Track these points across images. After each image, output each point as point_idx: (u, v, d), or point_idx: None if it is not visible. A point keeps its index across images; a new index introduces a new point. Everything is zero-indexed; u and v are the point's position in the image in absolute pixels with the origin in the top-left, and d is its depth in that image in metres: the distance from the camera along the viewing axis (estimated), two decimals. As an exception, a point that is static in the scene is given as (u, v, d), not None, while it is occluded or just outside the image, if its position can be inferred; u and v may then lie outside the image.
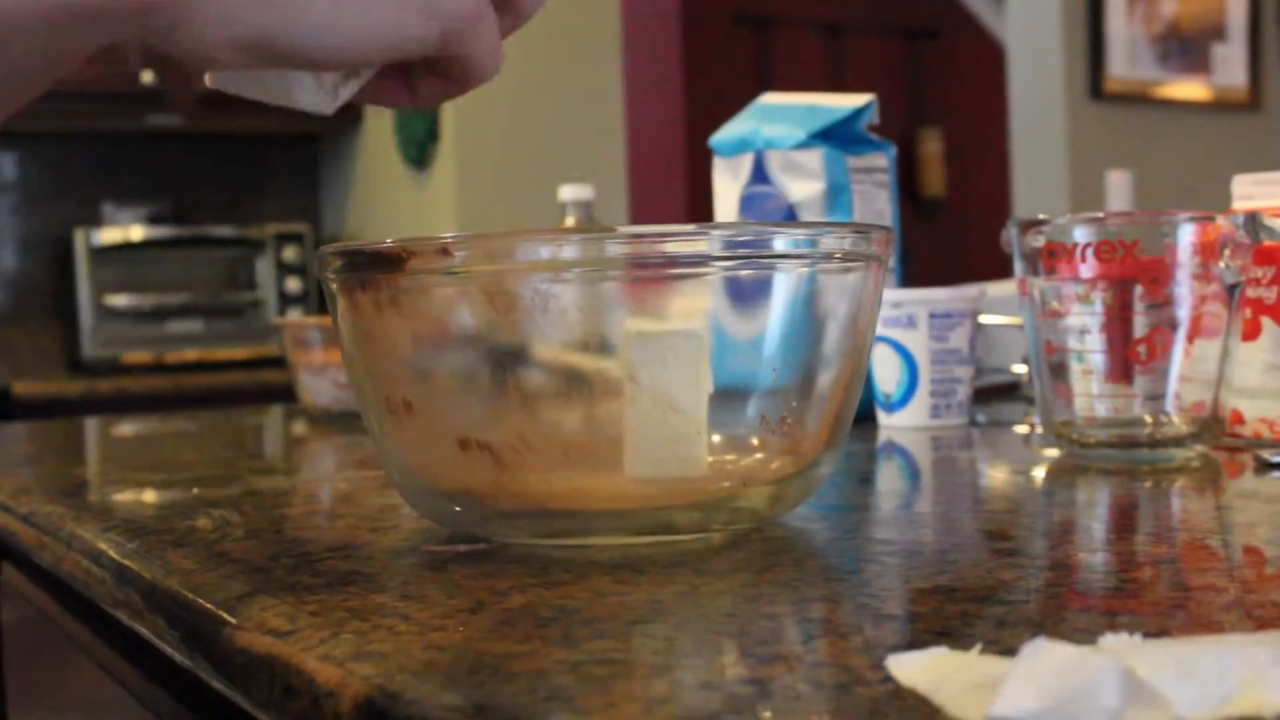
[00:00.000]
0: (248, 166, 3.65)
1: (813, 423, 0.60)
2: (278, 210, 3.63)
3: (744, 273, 0.56)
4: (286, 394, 1.49)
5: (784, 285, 0.57)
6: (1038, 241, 0.80)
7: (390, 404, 0.59)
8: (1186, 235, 0.76)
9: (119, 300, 3.17)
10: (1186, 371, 0.77)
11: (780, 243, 0.57)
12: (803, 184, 1.09)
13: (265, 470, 1.01)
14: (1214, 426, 0.79)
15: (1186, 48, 3.71)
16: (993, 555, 0.56)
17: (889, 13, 5.07)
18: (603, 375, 0.57)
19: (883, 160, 1.11)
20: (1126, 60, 3.61)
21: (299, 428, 1.33)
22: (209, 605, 0.53)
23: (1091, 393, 0.79)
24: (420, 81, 0.52)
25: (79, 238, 3.17)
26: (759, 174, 1.11)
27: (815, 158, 1.08)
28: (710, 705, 0.36)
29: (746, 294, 0.57)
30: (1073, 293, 0.79)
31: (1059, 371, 0.81)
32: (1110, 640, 0.36)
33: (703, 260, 0.55)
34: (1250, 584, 0.51)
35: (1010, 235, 0.82)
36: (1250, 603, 0.47)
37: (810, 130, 1.09)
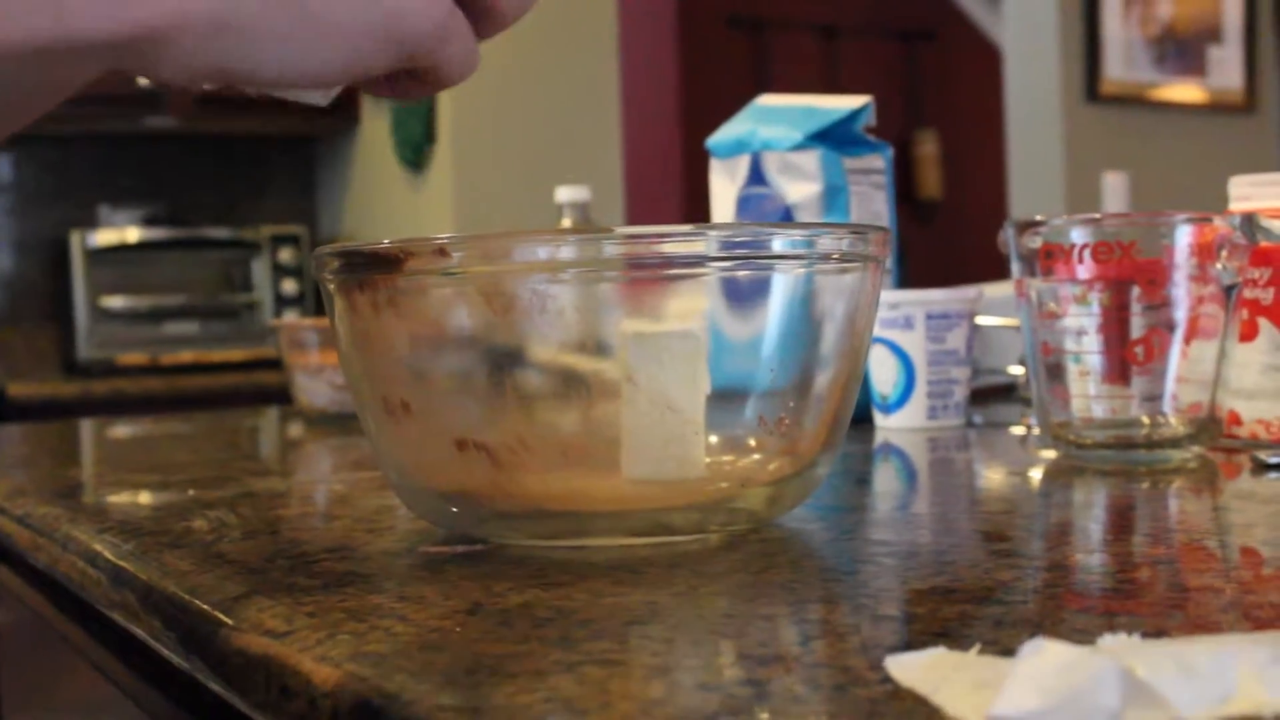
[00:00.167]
0: (244, 168, 3.65)
1: (810, 424, 0.60)
2: (274, 212, 3.63)
3: (742, 274, 0.56)
4: (282, 396, 1.49)
5: (781, 286, 0.57)
6: (1035, 243, 0.80)
7: (388, 405, 0.59)
8: (1184, 236, 0.76)
9: (115, 302, 3.17)
10: (1183, 372, 0.77)
11: (778, 244, 0.57)
12: (800, 185, 1.09)
13: (261, 472, 1.01)
14: (1211, 427, 0.79)
15: (1182, 50, 3.72)
16: (990, 556, 0.56)
17: (885, 15, 5.07)
18: (600, 376, 0.57)
19: (880, 162, 1.11)
20: (1122, 62, 3.61)
21: (295, 429, 1.33)
22: (206, 606, 0.52)
23: (1088, 394, 0.79)
24: (399, 80, 0.52)
25: (75, 239, 3.17)
26: (756, 175, 1.11)
27: (812, 159, 1.08)
28: (709, 706, 0.36)
29: (744, 295, 0.57)
30: (1070, 294, 0.79)
31: (1056, 373, 0.81)
32: (1109, 640, 0.36)
33: (700, 261, 0.55)
34: (1248, 584, 0.51)
35: (1007, 236, 0.82)
36: (1248, 603, 0.47)
37: (807, 132, 1.09)
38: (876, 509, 0.74)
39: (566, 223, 1.53)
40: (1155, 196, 3.55)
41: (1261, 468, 0.76)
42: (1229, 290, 0.77)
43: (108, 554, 0.65)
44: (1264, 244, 0.78)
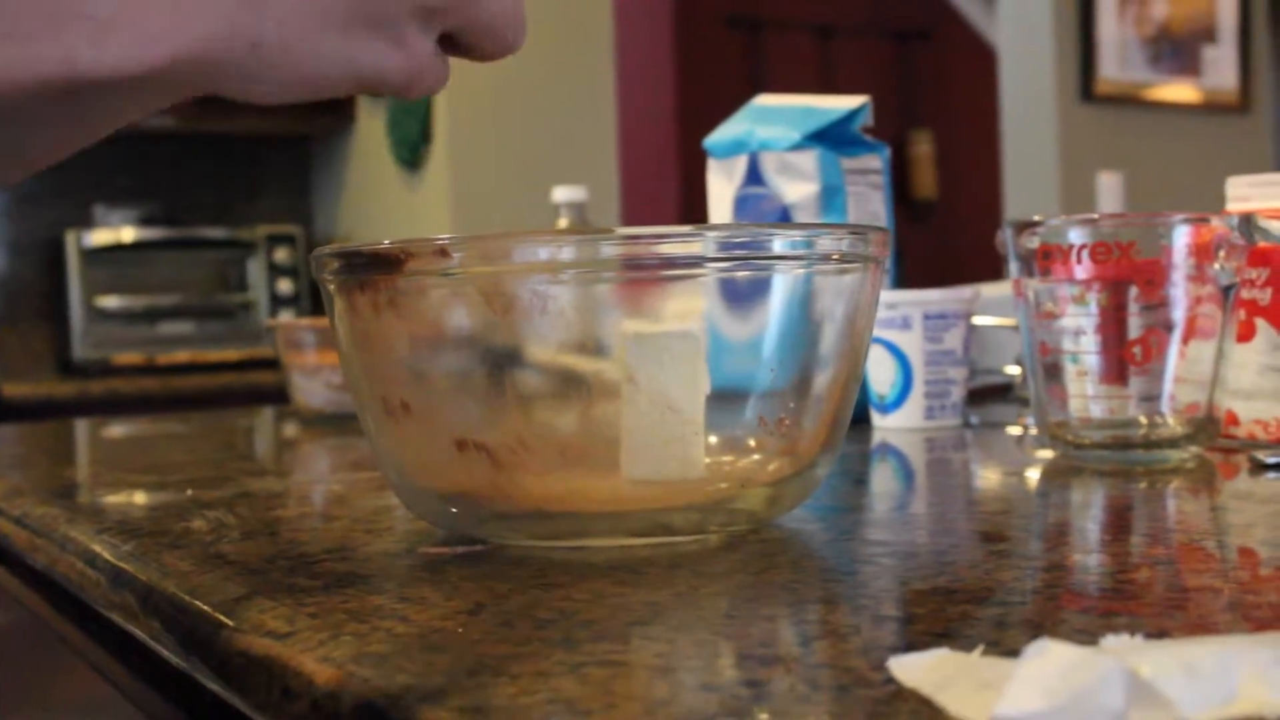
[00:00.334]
0: (239, 168, 3.65)
1: (810, 424, 0.60)
2: (269, 212, 3.63)
3: (742, 274, 0.56)
4: (277, 396, 1.48)
5: (781, 287, 0.57)
6: (1033, 243, 0.80)
7: (387, 405, 0.59)
8: (1181, 237, 0.76)
9: (110, 302, 3.17)
10: (1181, 373, 0.78)
11: (778, 245, 0.57)
12: (797, 185, 1.09)
13: (259, 472, 1.01)
14: (1209, 428, 0.79)
15: (1177, 50, 3.72)
16: (990, 557, 0.56)
17: (880, 15, 5.07)
18: (600, 376, 0.57)
19: (877, 162, 1.11)
20: (1117, 62, 3.61)
21: (292, 429, 1.33)
22: (207, 607, 0.52)
23: (1086, 394, 0.79)
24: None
25: (70, 239, 3.16)
26: (753, 175, 1.11)
27: (810, 159, 1.08)
28: (713, 707, 0.36)
29: (744, 295, 0.57)
30: (1068, 294, 0.79)
31: (1054, 373, 0.81)
32: (1111, 641, 0.36)
33: (700, 262, 0.55)
34: (1247, 585, 0.51)
35: (1005, 237, 0.82)
36: (1248, 604, 0.47)
37: (805, 132, 1.09)
38: (875, 509, 0.74)
39: (563, 223, 1.53)
40: (1150, 196, 3.55)
41: (1259, 468, 0.76)
42: (1227, 290, 0.77)
43: (107, 555, 0.65)
44: (1262, 244, 0.78)
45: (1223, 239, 0.76)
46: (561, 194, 1.54)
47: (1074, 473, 0.78)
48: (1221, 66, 3.80)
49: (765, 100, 1.18)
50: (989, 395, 1.24)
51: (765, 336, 0.58)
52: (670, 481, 0.57)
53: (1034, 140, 3.62)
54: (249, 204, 3.62)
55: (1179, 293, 0.77)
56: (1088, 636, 0.41)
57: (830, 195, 1.08)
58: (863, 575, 0.53)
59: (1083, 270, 0.78)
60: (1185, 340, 0.77)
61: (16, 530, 0.80)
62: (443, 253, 0.55)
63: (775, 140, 1.10)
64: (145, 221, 3.33)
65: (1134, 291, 0.77)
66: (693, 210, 3.86)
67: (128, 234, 3.20)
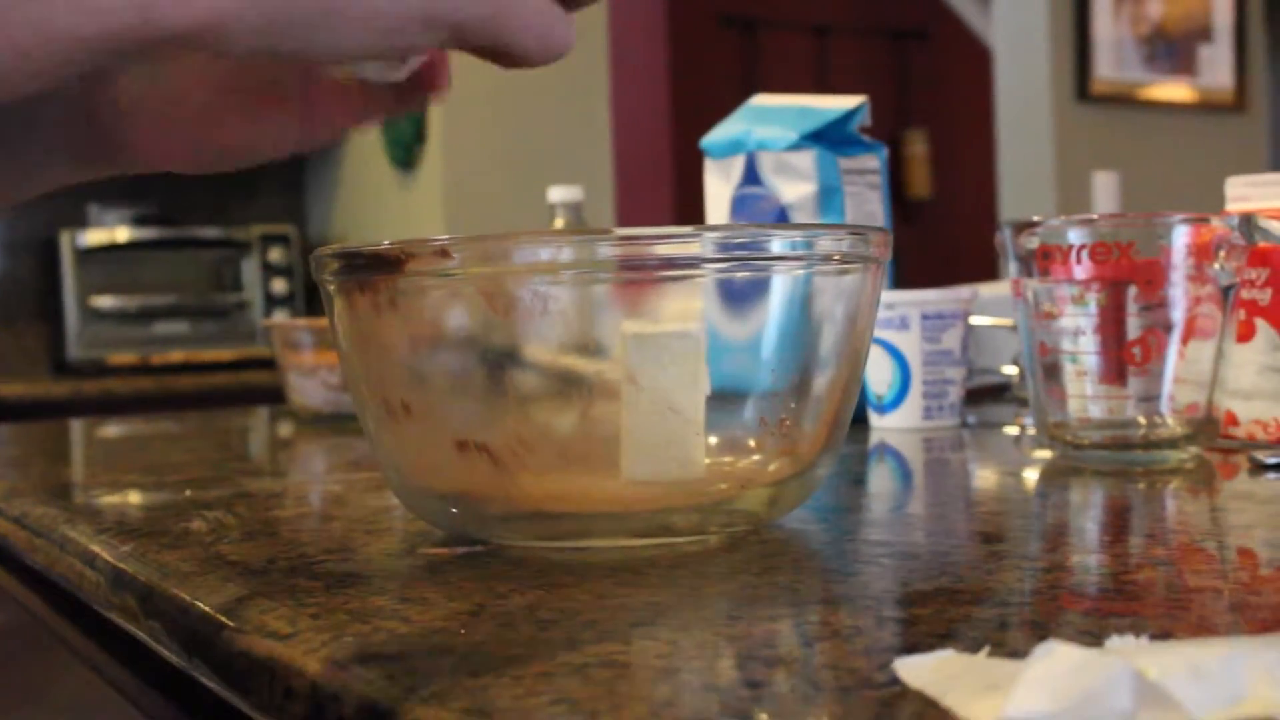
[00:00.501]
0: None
1: (810, 425, 0.60)
2: (264, 211, 3.62)
3: (742, 275, 0.56)
4: (272, 395, 1.48)
5: (781, 288, 0.57)
6: (1032, 243, 0.80)
7: (388, 406, 0.59)
8: (1181, 237, 0.76)
9: (104, 301, 3.16)
10: (1181, 373, 0.78)
11: (777, 245, 0.57)
12: (795, 185, 1.09)
13: (257, 472, 1.01)
14: (1208, 428, 0.79)
15: (1172, 49, 3.72)
16: (992, 557, 0.56)
17: (875, 14, 5.08)
18: (600, 377, 0.57)
19: (874, 162, 1.11)
20: (1113, 62, 3.62)
21: (289, 429, 1.33)
22: (208, 608, 0.52)
23: (1085, 394, 0.79)
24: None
25: (64, 239, 3.16)
26: (751, 175, 1.11)
27: (807, 159, 1.08)
28: (717, 708, 0.36)
29: (744, 296, 0.57)
30: (1067, 294, 0.79)
31: (1053, 373, 0.81)
32: (1117, 642, 0.36)
33: (701, 262, 0.55)
34: (1248, 585, 0.51)
35: (1004, 237, 0.82)
36: (1249, 604, 0.47)
37: (802, 132, 1.09)
38: (875, 510, 0.74)
39: (559, 223, 1.53)
40: (1146, 196, 3.56)
41: (1259, 468, 0.76)
42: (1226, 291, 0.77)
43: (106, 555, 0.65)
44: (1261, 244, 0.78)
45: (1222, 239, 0.76)
46: (557, 194, 1.54)
47: (1073, 473, 0.78)
48: (1217, 66, 3.80)
49: (762, 100, 1.18)
50: (987, 395, 1.24)
51: (765, 337, 0.58)
52: (670, 482, 0.57)
53: (1029, 140, 3.62)
54: (243, 204, 3.62)
55: (1178, 293, 0.77)
56: (1090, 637, 0.41)
57: (828, 195, 1.08)
58: (864, 576, 0.53)
59: (1082, 270, 0.78)
60: (1185, 340, 0.77)
61: (15, 530, 0.80)
62: (443, 253, 0.55)
63: (773, 140, 1.10)
64: (140, 221, 3.32)
65: (1133, 292, 0.77)
66: (687, 210, 3.86)
67: (122, 234, 3.20)
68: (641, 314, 0.56)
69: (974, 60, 4.76)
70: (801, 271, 0.57)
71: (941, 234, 5.01)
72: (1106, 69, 3.61)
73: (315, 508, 0.81)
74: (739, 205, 1.13)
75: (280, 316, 3.28)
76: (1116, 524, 0.67)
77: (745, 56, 4.78)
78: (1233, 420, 0.85)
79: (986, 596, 0.49)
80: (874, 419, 1.06)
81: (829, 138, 1.09)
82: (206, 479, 0.90)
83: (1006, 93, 3.70)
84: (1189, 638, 0.39)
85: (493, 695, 0.38)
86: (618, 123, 3.47)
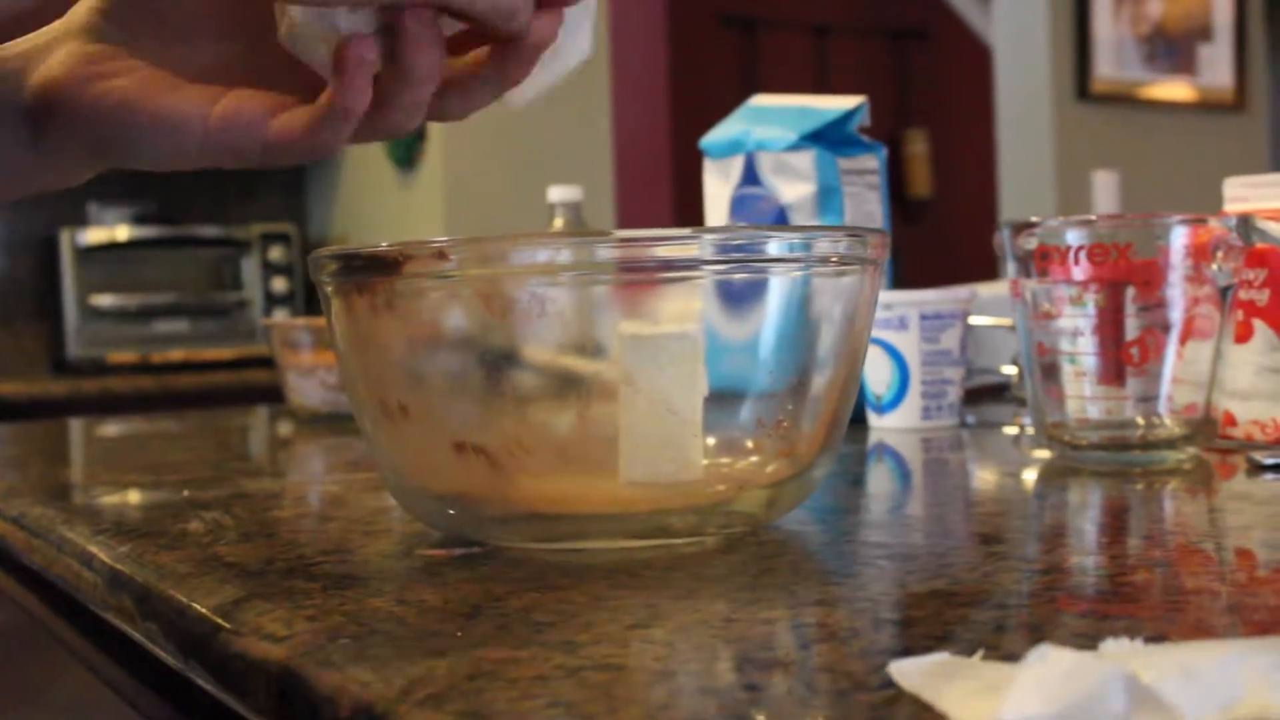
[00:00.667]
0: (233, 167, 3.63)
1: (808, 426, 0.60)
2: (264, 210, 3.62)
3: (739, 277, 0.56)
4: (272, 394, 1.48)
5: (779, 289, 0.57)
6: (1030, 243, 0.80)
7: (385, 407, 0.59)
8: (1179, 238, 0.76)
9: (104, 300, 3.16)
10: (1179, 373, 0.78)
11: (775, 247, 0.57)
12: (794, 186, 1.09)
13: (255, 472, 1.01)
14: (1206, 429, 0.79)
15: (1172, 48, 3.72)
16: (989, 559, 0.56)
17: (875, 14, 5.07)
18: (598, 378, 0.57)
19: (873, 162, 1.11)
20: (1113, 61, 3.62)
21: (287, 429, 1.33)
22: (204, 610, 0.52)
23: (1084, 395, 0.79)
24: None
25: (64, 237, 3.16)
26: (750, 176, 1.11)
27: (806, 159, 1.08)
28: (713, 711, 0.36)
29: (742, 297, 0.57)
30: (1065, 295, 0.79)
31: (1051, 373, 0.81)
32: (1111, 645, 0.36)
33: (698, 264, 0.55)
34: (1246, 587, 0.51)
35: (1003, 237, 0.82)
36: (1247, 606, 0.47)
37: (801, 132, 1.08)
38: (873, 511, 0.74)
39: (559, 223, 1.53)
40: (1146, 195, 3.56)
41: (1257, 469, 0.76)
42: (1224, 291, 0.77)
43: (104, 556, 0.65)
44: (1259, 245, 0.78)
45: (1220, 240, 0.76)
46: (557, 194, 1.54)
47: (1071, 474, 0.78)
48: (1217, 65, 3.80)
49: (761, 100, 1.18)
50: (985, 396, 1.24)
51: (763, 338, 0.58)
52: (668, 483, 0.57)
53: (1029, 139, 3.62)
54: (243, 202, 3.62)
55: (1176, 293, 0.77)
56: (1087, 640, 0.41)
57: (827, 196, 1.08)
58: (861, 578, 0.53)
59: (1080, 271, 0.78)
60: (1183, 341, 0.77)
61: (13, 531, 0.80)
62: (440, 255, 0.55)
63: (772, 141, 1.10)
64: (139, 220, 3.32)
65: (1131, 292, 0.77)
66: (687, 210, 3.86)
67: (122, 232, 3.20)
68: (639, 315, 0.57)
69: (974, 60, 4.76)
70: (799, 273, 0.57)
71: (942, 233, 5.01)
72: (1106, 68, 3.61)
73: (313, 508, 0.81)
74: (738, 205, 1.13)
75: (280, 315, 3.28)
76: (1114, 525, 0.67)
77: (745, 56, 4.78)
78: (1231, 421, 0.85)
79: (983, 598, 0.49)
80: (873, 419, 1.06)
81: (828, 138, 1.09)
82: (205, 479, 0.90)
83: (1006, 92, 3.70)
84: (1185, 640, 0.39)
85: (488, 698, 0.38)
86: (618, 123, 3.47)
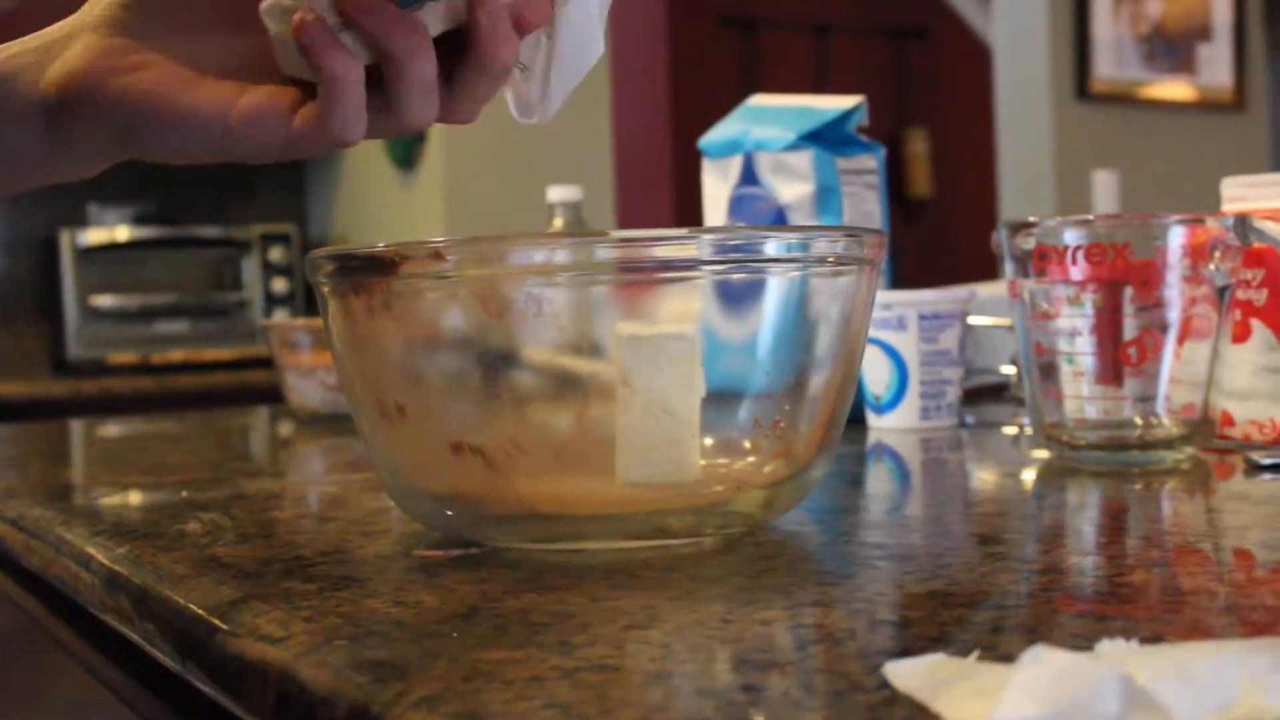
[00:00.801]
0: (234, 166, 3.64)
1: (805, 426, 0.60)
2: (264, 211, 3.62)
3: (737, 277, 0.56)
4: (272, 395, 1.48)
5: (776, 289, 0.57)
6: (1028, 243, 0.80)
7: (383, 408, 0.59)
8: (1176, 238, 0.76)
9: (104, 301, 3.16)
10: (1176, 373, 0.78)
11: (772, 247, 0.57)
12: (792, 185, 1.09)
13: (254, 473, 1.01)
14: (1204, 428, 0.79)
15: (1172, 48, 3.72)
16: (986, 559, 0.56)
17: (875, 13, 5.07)
18: (595, 379, 0.57)
19: (872, 162, 1.11)
20: (1112, 61, 3.62)
21: (287, 429, 1.33)
22: (201, 611, 0.52)
23: (1081, 394, 0.79)
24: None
25: (64, 238, 3.16)
26: (748, 175, 1.11)
27: (805, 159, 1.08)
28: (708, 712, 0.36)
29: (739, 298, 0.57)
30: (1063, 295, 0.79)
31: (1049, 373, 0.81)
32: (1107, 646, 0.36)
33: (695, 264, 0.55)
34: (1243, 587, 0.51)
35: (1001, 237, 0.82)
36: (1244, 606, 0.47)
37: (800, 132, 1.08)
38: (871, 511, 0.74)
39: (558, 223, 1.53)
40: (1145, 195, 3.55)
41: (1255, 469, 0.76)
42: (1222, 291, 0.77)
43: (101, 557, 0.65)
44: (1257, 245, 0.78)
45: (1218, 240, 0.76)
46: (556, 193, 1.54)
47: (1069, 474, 0.78)
48: (1216, 65, 3.80)
49: (760, 100, 1.18)
50: (984, 395, 1.24)
51: (760, 339, 0.58)
52: (666, 484, 0.57)
53: (1029, 139, 3.62)
54: (244, 203, 3.62)
55: (1174, 293, 0.77)
56: (1083, 640, 0.41)
57: (825, 195, 1.08)
58: (859, 578, 0.53)
59: (1078, 271, 0.78)
60: (1180, 341, 0.77)
61: (12, 532, 0.80)
62: (437, 255, 0.55)
63: (770, 140, 1.10)
64: (140, 220, 3.32)
65: (1129, 292, 0.77)
66: (687, 210, 3.86)
67: (122, 233, 3.20)
68: (637, 316, 0.56)
69: (974, 59, 4.75)
70: (797, 273, 0.57)
71: (941, 233, 5.00)
72: (1106, 68, 3.61)
73: (312, 509, 0.81)
74: (737, 205, 1.13)
75: (280, 316, 3.28)
76: (1112, 525, 0.67)
77: (745, 56, 4.78)
78: (1229, 421, 0.85)
79: (980, 599, 0.49)
80: (871, 419, 1.06)
81: (826, 138, 1.09)
82: (204, 480, 0.90)
83: (1006, 91, 3.70)
84: (1182, 640, 0.39)
85: (484, 699, 0.38)
86: (618, 122, 3.46)
